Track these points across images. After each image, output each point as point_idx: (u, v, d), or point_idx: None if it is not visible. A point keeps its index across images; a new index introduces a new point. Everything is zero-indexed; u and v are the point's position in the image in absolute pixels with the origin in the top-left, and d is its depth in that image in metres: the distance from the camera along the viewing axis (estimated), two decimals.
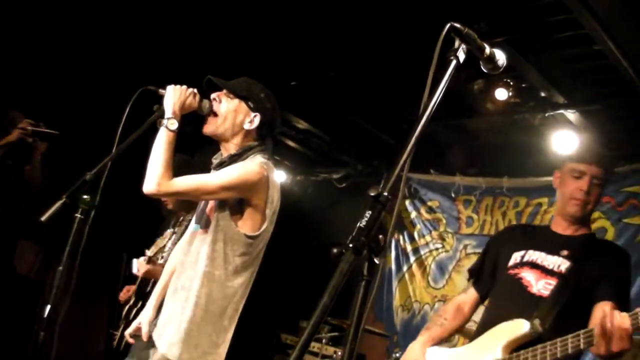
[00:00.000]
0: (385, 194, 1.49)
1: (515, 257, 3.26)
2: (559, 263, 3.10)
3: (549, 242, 3.24)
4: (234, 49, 6.05)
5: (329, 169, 9.43)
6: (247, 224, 3.23)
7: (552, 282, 3.04)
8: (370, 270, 1.45)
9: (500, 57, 2.06)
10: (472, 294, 3.46)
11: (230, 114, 3.35)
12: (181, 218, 5.09)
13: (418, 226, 8.49)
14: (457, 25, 1.86)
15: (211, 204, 3.30)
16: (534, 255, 3.21)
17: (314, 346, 7.24)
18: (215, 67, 3.49)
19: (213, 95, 3.40)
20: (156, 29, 5.98)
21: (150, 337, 3.33)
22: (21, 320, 5.62)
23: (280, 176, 9.10)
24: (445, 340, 3.40)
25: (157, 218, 5.59)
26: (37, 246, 6.05)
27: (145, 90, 3.32)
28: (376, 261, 1.47)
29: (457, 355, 3.14)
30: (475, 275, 3.47)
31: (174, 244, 4.85)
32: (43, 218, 3.37)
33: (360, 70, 6.34)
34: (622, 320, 2.49)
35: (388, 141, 7.94)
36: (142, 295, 4.98)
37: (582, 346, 2.57)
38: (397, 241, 8.57)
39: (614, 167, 3.42)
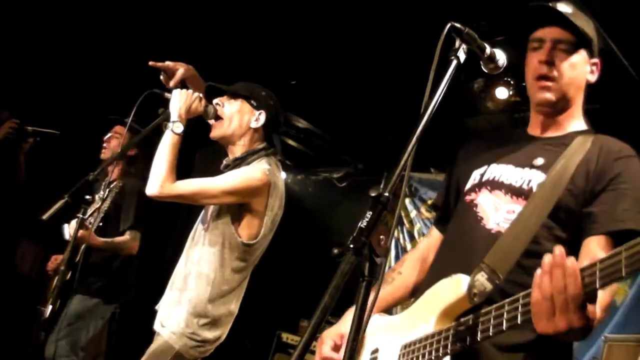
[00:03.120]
0: (386, 194, 1.50)
1: (474, 176, 2.34)
2: (530, 177, 2.15)
3: (519, 149, 2.31)
4: (235, 48, 6.05)
5: (329, 168, 9.44)
6: (245, 231, 3.27)
7: (518, 207, 2.09)
8: (371, 271, 1.45)
9: (501, 57, 2.07)
10: (435, 236, 2.53)
11: (234, 115, 3.40)
12: (113, 184, 5.15)
13: (418, 225, 8.48)
14: (458, 25, 1.87)
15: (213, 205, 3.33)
16: (496, 170, 2.27)
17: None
18: (216, 66, 3.51)
19: (216, 101, 3.44)
20: (158, 31, 5.98)
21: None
22: (22, 319, 5.62)
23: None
24: (398, 302, 2.53)
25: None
26: (38, 245, 6.07)
27: (151, 93, 3.37)
28: (377, 261, 1.47)
29: (392, 326, 2.24)
30: (440, 210, 2.55)
31: (104, 211, 4.95)
32: (44, 217, 3.39)
33: (361, 69, 6.34)
34: (568, 277, 1.53)
35: (389, 140, 7.94)
36: (73, 265, 4.88)
37: (519, 320, 1.67)
38: (397, 240, 8.56)
39: (590, 26, 2.32)
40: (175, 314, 3.23)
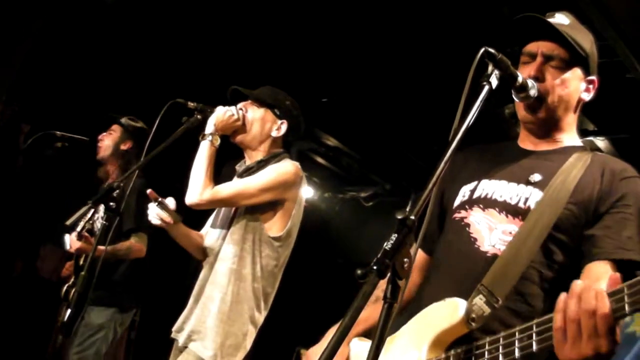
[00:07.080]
0: (412, 217, 1.48)
1: (463, 192, 2.19)
2: (526, 195, 2.03)
3: (513, 163, 2.16)
4: (265, 65, 6.08)
5: (357, 188, 9.42)
6: (274, 225, 3.31)
7: (514, 228, 1.98)
8: (394, 293, 1.44)
9: (533, 86, 2.05)
10: (419, 255, 2.31)
11: (256, 122, 3.47)
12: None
13: None
14: (491, 50, 1.83)
15: None
16: (488, 187, 2.13)
17: None
18: (244, 82, 3.55)
19: (239, 105, 3.50)
20: (185, 44, 6.02)
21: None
22: (42, 323, 5.66)
23: (308, 192, 9.12)
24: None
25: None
26: (60, 249, 6.12)
27: (174, 103, 3.43)
28: (399, 284, 1.45)
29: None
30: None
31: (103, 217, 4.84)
32: (68, 222, 3.43)
33: (392, 90, 6.34)
34: (599, 300, 1.46)
35: (417, 162, 7.92)
36: (78, 272, 4.91)
37: (534, 348, 1.57)
38: None
39: (589, 40, 2.17)
40: (206, 326, 3.21)
